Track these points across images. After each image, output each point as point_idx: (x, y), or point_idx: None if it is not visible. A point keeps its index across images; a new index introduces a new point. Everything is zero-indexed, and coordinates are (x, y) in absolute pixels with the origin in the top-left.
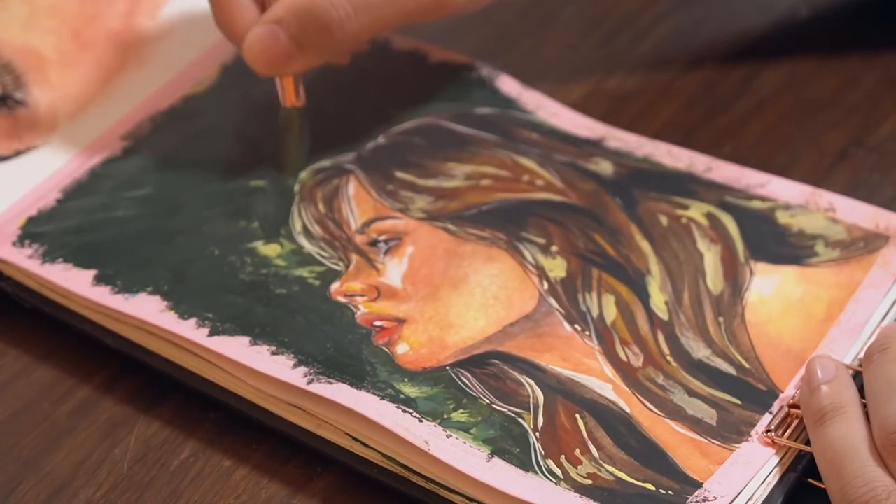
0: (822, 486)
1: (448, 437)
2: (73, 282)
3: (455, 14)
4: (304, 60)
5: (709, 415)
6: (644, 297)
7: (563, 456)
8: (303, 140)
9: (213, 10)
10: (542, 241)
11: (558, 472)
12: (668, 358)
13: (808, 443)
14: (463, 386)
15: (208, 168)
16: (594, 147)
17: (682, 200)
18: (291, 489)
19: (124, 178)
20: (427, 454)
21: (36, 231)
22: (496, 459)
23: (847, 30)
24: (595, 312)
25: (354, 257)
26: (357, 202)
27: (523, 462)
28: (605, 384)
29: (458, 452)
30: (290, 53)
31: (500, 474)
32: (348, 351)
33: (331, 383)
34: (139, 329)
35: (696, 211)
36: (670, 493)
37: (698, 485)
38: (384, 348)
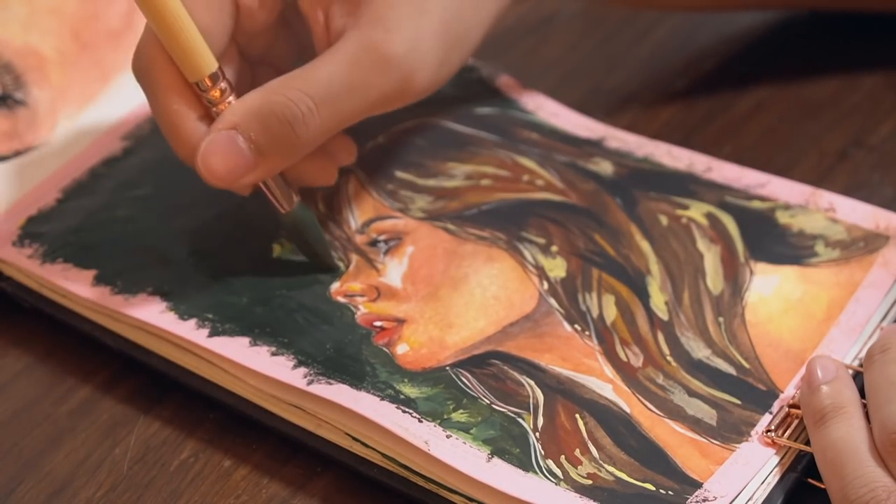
0: (822, 487)
1: (448, 437)
2: (73, 282)
3: (418, 98)
4: (266, 167)
5: (709, 415)
6: (644, 297)
7: (563, 456)
8: (317, 237)
9: (172, 143)
10: (542, 241)
11: (558, 472)
12: (668, 358)
13: (808, 443)
14: (463, 386)
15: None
16: (594, 147)
17: (682, 200)
18: (291, 489)
19: (124, 178)
20: (427, 454)
21: (36, 231)
22: (496, 460)
23: (847, 30)
24: (595, 312)
25: (354, 257)
26: (357, 202)
27: (523, 462)
28: (605, 384)
29: (458, 452)
30: (251, 160)
31: (500, 474)
32: (348, 351)
33: (331, 384)
34: (139, 329)
35: (696, 211)
36: (670, 493)
37: (698, 485)
38: (384, 348)
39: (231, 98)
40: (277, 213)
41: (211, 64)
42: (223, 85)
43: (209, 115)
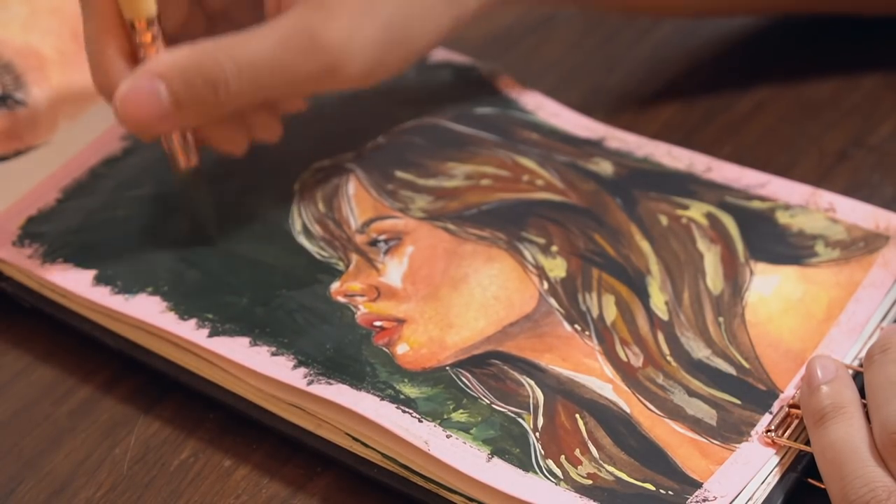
0: (822, 486)
1: (448, 437)
2: (73, 282)
3: (349, 87)
4: (180, 120)
5: (709, 415)
6: (644, 297)
7: (563, 456)
8: (205, 203)
9: (91, 69)
10: (542, 241)
11: (558, 472)
12: (668, 358)
13: (808, 443)
14: (463, 386)
15: (207, 167)
16: (594, 147)
17: (682, 200)
18: (291, 489)
19: (124, 178)
20: (427, 454)
21: (36, 231)
22: (496, 459)
23: (847, 30)
24: (595, 312)
25: (354, 257)
26: (357, 201)
27: (523, 462)
28: (605, 384)
29: (457, 452)
30: (167, 111)
31: (500, 474)
32: (348, 351)
33: (330, 384)
34: (139, 329)
35: (696, 211)
36: (670, 493)
37: (698, 485)
38: (384, 348)
39: (159, 47)
40: (171, 170)
41: (150, 7)
42: (156, 31)
43: (135, 58)
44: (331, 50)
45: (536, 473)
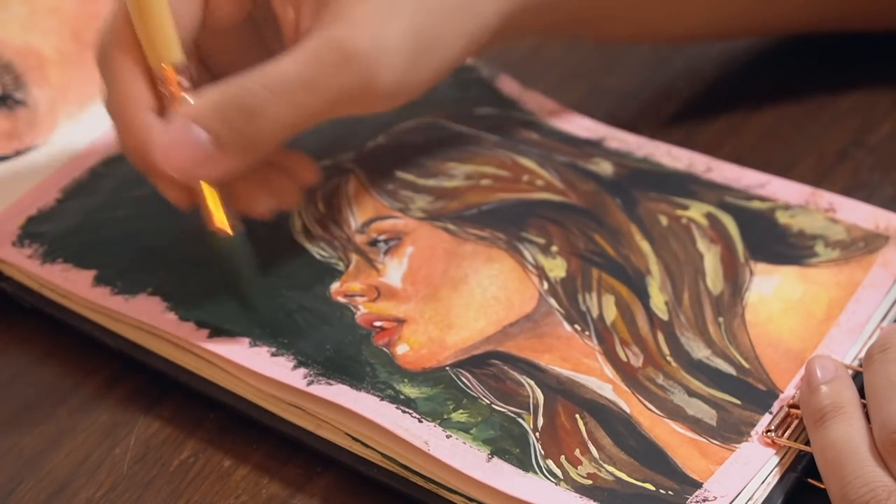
0: (822, 486)
1: (448, 437)
2: (73, 282)
3: (384, 102)
4: (226, 160)
5: (709, 415)
6: (644, 297)
7: (563, 456)
8: (246, 268)
9: (118, 131)
10: (542, 241)
11: (558, 472)
12: (668, 358)
13: (808, 443)
14: (463, 386)
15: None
16: (594, 147)
17: (681, 201)
18: (291, 489)
19: (124, 177)
20: (427, 454)
21: (36, 231)
22: (496, 460)
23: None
24: (595, 312)
25: (354, 257)
26: (357, 202)
27: (523, 462)
28: (604, 384)
29: (457, 453)
30: (210, 153)
31: (499, 474)
32: (348, 352)
33: (330, 384)
34: (139, 329)
35: (696, 211)
36: (670, 493)
37: (698, 485)
38: (384, 349)
39: (189, 96)
40: (212, 234)
41: (178, 53)
42: (185, 80)
43: (164, 110)
44: (362, 59)
45: (536, 473)
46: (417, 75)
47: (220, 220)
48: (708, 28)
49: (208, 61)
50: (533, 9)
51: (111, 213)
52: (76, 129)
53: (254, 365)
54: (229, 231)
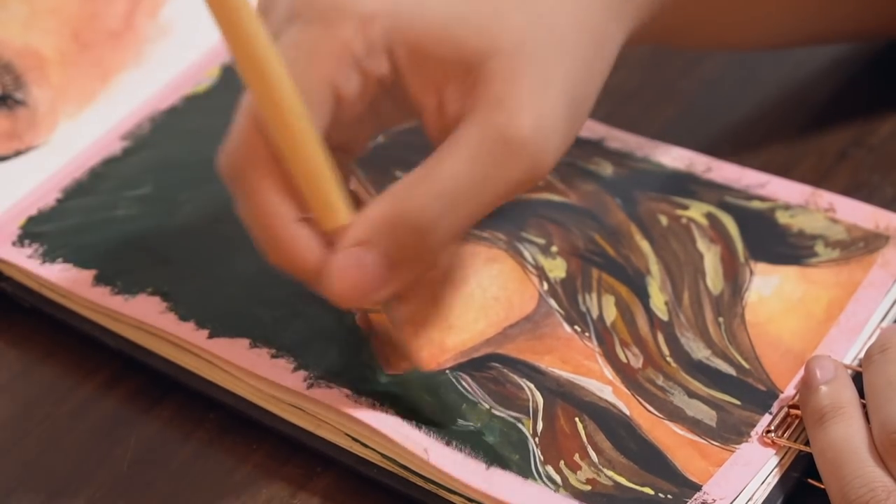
0: (822, 487)
1: (447, 444)
2: (73, 282)
3: (544, 178)
4: (399, 281)
5: (709, 416)
6: (644, 297)
7: (562, 461)
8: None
9: (267, 248)
10: (541, 241)
11: (557, 478)
12: (668, 359)
13: (808, 443)
14: (463, 391)
15: (208, 168)
16: (594, 147)
17: (681, 201)
18: (291, 489)
19: (124, 177)
20: (426, 462)
21: (36, 231)
22: (495, 467)
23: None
24: (595, 313)
25: None
26: (357, 202)
27: (522, 469)
28: (604, 386)
29: (457, 460)
30: (382, 277)
31: (499, 482)
32: (348, 354)
33: (330, 387)
34: (139, 329)
35: (696, 211)
36: (669, 496)
37: (698, 487)
38: None
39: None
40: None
41: (348, 213)
42: None
43: (308, 218)
44: (528, 146)
45: (536, 480)
46: (571, 142)
47: (385, 358)
48: (778, 37)
49: (326, 139)
50: (645, 26)
51: (111, 213)
52: (76, 129)
53: (254, 366)
54: (393, 370)
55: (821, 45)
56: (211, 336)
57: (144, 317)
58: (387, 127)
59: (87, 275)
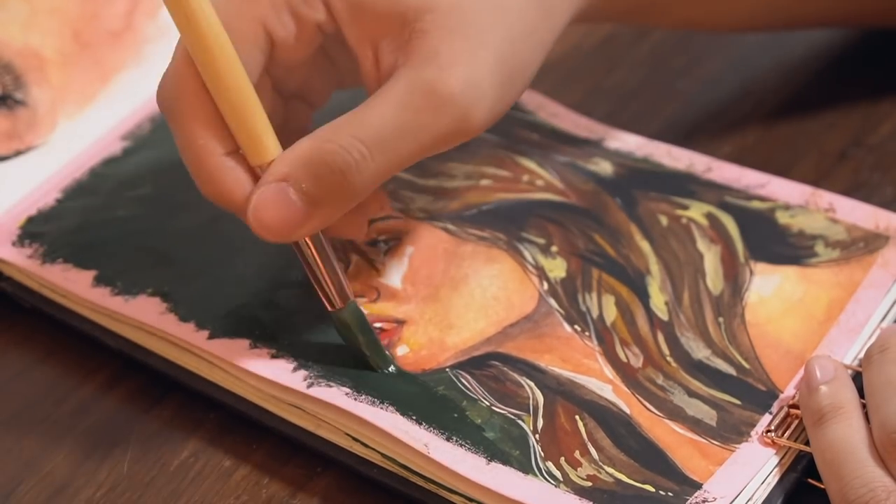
0: (822, 487)
1: (448, 440)
2: (74, 282)
3: (474, 136)
4: (320, 218)
5: (709, 415)
6: (644, 297)
7: (562, 458)
8: (371, 334)
9: (197, 180)
10: (542, 241)
11: (558, 474)
12: (668, 358)
13: (808, 443)
14: (463, 388)
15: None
16: (594, 147)
17: (681, 201)
18: (292, 489)
19: (124, 178)
20: (427, 457)
21: (36, 231)
22: (496, 462)
23: (847, 29)
24: (595, 313)
25: (354, 257)
26: None
27: (523, 465)
28: (604, 385)
29: (457, 455)
30: (305, 212)
31: (499, 477)
32: (348, 353)
33: (330, 386)
34: (139, 329)
35: (696, 211)
36: (670, 494)
37: (698, 486)
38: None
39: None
40: (324, 308)
41: (276, 150)
42: None
43: (237, 151)
44: (455, 102)
45: (536, 476)
46: (504, 105)
47: (326, 296)
48: (753, 18)
49: (280, 85)
50: (597, 4)
51: (111, 213)
52: (76, 129)
53: (254, 366)
54: (334, 306)
55: (799, 28)
56: (211, 336)
57: (144, 317)
58: (348, 82)
59: (88, 275)
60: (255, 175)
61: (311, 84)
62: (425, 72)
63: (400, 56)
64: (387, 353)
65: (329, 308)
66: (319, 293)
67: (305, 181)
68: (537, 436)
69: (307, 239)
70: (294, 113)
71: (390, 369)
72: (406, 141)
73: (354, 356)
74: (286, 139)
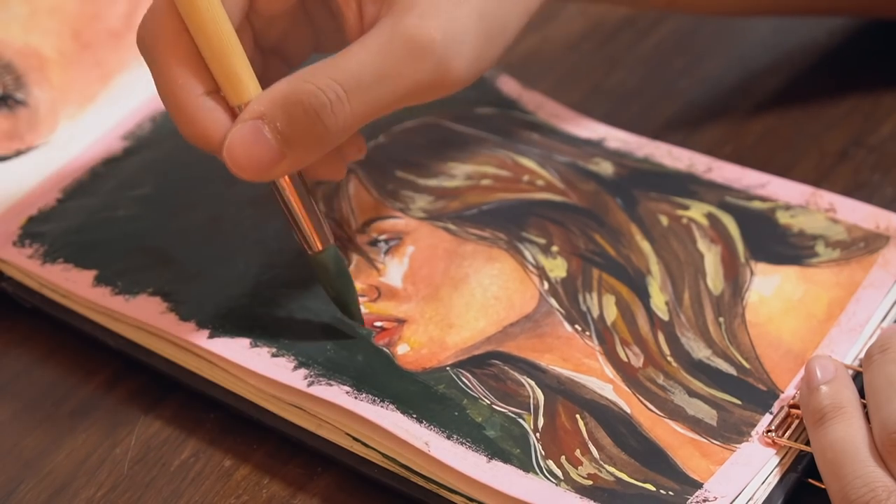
0: (823, 487)
1: (448, 438)
2: (74, 282)
3: (453, 90)
4: (294, 158)
5: (709, 415)
6: (644, 297)
7: (563, 456)
8: (349, 280)
9: (176, 120)
10: (542, 241)
11: (559, 472)
12: (669, 358)
13: (808, 443)
14: (463, 387)
15: (208, 168)
16: (594, 147)
17: (682, 201)
18: (292, 489)
19: (124, 177)
20: (427, 455)
21: (36, 231)
22: (496, 460)
23: (847, 29)
24: (595, 312)
25: (355, 257)
26: (357, 201)
27: (524, 463)
28: (605, 384)
29: (458, 453)
30: (279, 151)
31: (500, 475)
32: (348, 352)
33: (331, 385)
34: (140, 329)
35: (697, 211)
36: (670, 493)
37: (699, 485)
38: (384, 349)
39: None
40: (304, 252)
41: (255, 90)
42: None
43: (217, 92)
44: (434, 50)
45: (537, 474)
46: (485, 62)
47: (304, 239)
48: (742, 5)
49: (260, 37)
50: None
51: (111, 213)
52: (76, 129)
53: (254, 366)
54: (314, 249)
55: (803, 14)
56: (211, 336)
57: (145, 317)
58: (326, 44)
59: (88, 275)
60: (235, 116)
61: (289, 41)
62: (406, 20)
63: (382, 7)
64: (361, 309)
65: (308, 251)
66: (298, 236)
67: (280, 120)
68: (538, 434)
69: (286, 180)
70: (271, 69)
71: (359, 330)
72: (383, 87)
73: (352, 357)
74: None
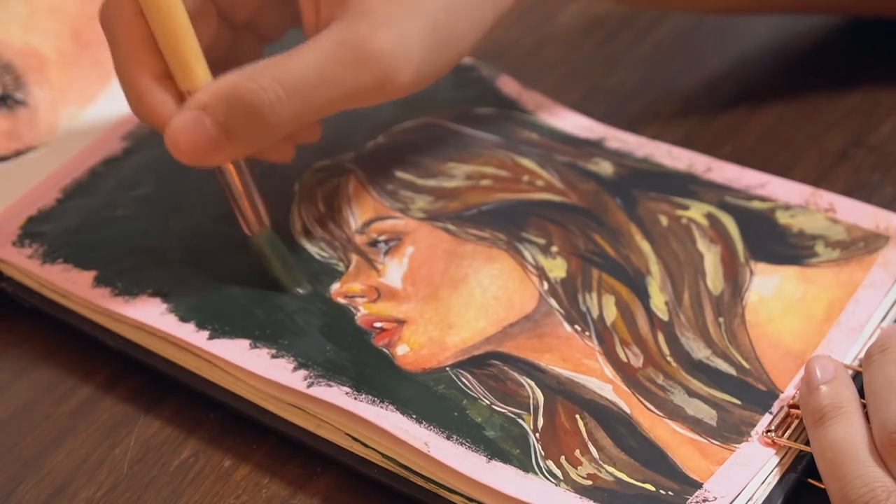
0: (822, 487)
1: (448, 438)
2: (74, 282)
3: (398, 96)
4: (233, 149)
5: (709, 415)
6: (644, 297)
7: (563, 457)
8: (285, 260)
9: (127, 98)
10: (542, 241)
11: (558, 472)
12: (669, 358)
13: (808, 443)
14: (463, 387)
15: (208, 168)
16: (594, 147)
17: (682, 201)
18: (292, 489)
19: (124, 177)
20: (427, 456)
21: (36, 231)
22: (496, 461)
23: (847, 29)
24: (595, 313)
25: (354, 257)
26: (357, 202)
27: (523, 463)
28: (605, 385)
29: (458, 454)
30: (218, 142)
31: (500, 475)
32: (348, 353)
33: (330, 386)
34: (140, 329)
35: (696, 211)
36: (670, 493)
37: (698, 485)
38: (384, 350)
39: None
40: (247, 235)
41: (205, 77)
42: None
43: (167, 75)
44: (381, 60)
45: (536, 474)
46: (433, 70)
47: (244, 221)
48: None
49: (228, 13)
50: None
51: (111, 213)
52: (76, 129)
53: (254, 367)
54: (252, 232)
55: (803, 11)
56: (211, 337)
57: (145, 317)
58: (303, 23)
59: (88, 275)
60: (184, 99)
61: (263, 17)
62: (356, 27)
63: (337, 10)
64: (298, 273)
65: (247, 233)
66: (239, 218)
67: (221, 114)
68: (538, 435)
69: (229, 165)
70: (243, 44)
71: (300, 291)
72: (324, 90)
73: (352, 358)
74: (231, 69)
